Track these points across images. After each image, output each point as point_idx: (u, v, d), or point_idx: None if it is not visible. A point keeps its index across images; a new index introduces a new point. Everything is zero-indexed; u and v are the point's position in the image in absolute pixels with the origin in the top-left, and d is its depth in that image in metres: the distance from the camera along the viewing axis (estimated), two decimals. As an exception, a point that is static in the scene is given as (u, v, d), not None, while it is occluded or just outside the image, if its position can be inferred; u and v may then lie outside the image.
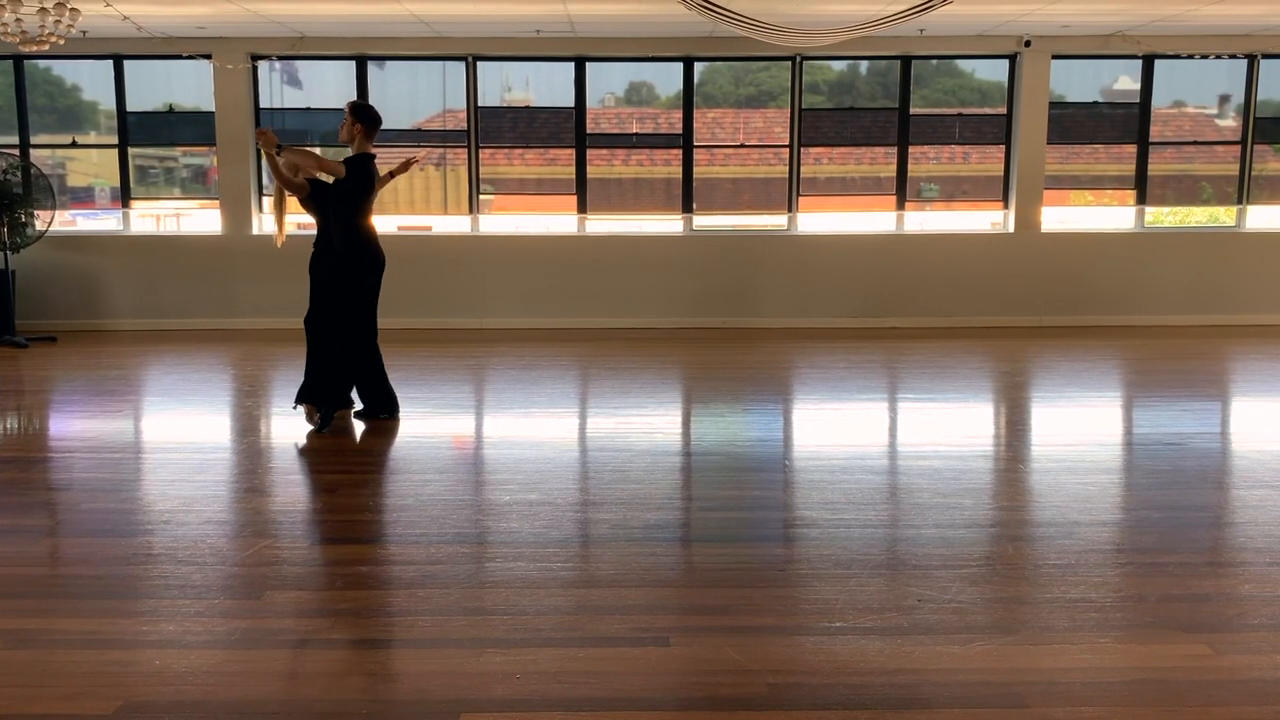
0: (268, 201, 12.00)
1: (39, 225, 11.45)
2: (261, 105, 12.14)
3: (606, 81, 12.40)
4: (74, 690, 3.75)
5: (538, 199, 12.82)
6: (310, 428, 7.57)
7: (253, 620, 4.37)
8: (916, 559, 5.04)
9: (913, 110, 12.22)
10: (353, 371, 7.72)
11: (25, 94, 12.10)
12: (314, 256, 7.71)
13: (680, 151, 12.26)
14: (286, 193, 7.67)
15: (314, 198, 7.63)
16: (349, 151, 7.61)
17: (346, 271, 7.57)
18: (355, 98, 11.90)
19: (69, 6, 8.15)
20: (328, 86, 12.32)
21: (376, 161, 7.67)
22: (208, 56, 11.74)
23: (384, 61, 12.15)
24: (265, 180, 12.12)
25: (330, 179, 7.51)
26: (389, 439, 7.51)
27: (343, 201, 7.51)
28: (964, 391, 9.16)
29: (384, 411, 7.84)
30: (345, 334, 7.61)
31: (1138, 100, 12.20)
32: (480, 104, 12.16)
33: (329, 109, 12.05)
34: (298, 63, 12.29)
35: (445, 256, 12.16)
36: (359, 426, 7.75)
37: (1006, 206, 12.33)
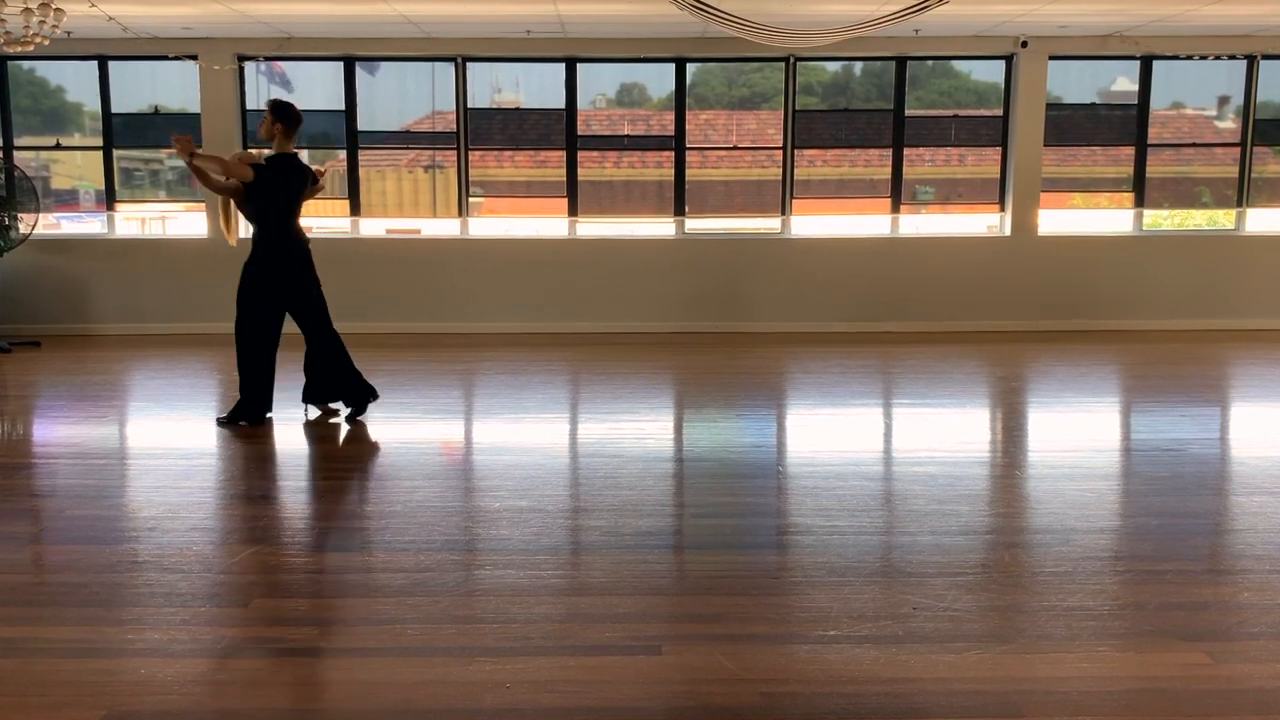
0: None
1: (23, 228, 11.39)
2: (248, 106, 12.06)
3: (597, 83, 12.37)
4: (59, 699, 3.73)
5: (528, 201, 12.77)
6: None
7: (239, 628, 4.36)
8: (912, 566, 5.00)
9: (908, 112, 12.18)
10: (337, 367, 7.87)
11: (9, 95, 12.05)
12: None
13: (672, 153, 12.22)
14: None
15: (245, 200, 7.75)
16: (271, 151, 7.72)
17: (264, 272, 7.65)
18: (344, 97, 11.94)
19: (53, 7, 8.11)
20: (314, 87, 12.26)
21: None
22: (194, 57, 11.67)
23: (376, 64, 12.11)
24: None
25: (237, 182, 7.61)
26: (378, 445, 7.48)
27: (260, 201, 7.60)
28: (960, 397, 9.12)
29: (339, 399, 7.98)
30: (313, 332, 7.82)
31: (1136, 102, 12.18)
32: (470, 105, 12.12)
33: (317, 110, 12.01)
34: (285, 64, 12.26)
35: (434, 259, 12.12)
36: (344, 431, 7.72)
37: (1003, 209, 12.29)
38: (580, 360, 10.61)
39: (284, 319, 7.81)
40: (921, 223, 12.59)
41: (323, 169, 8.23)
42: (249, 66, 12.03)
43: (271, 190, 7.57)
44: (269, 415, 7.91)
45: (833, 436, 7.75)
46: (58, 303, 11.98)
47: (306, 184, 7.77)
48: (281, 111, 7.61)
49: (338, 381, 7.93)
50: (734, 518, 5.88)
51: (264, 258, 7.63)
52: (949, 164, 12.56)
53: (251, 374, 7.76)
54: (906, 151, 12.22)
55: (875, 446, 7.65)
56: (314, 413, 8.11)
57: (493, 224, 12.55)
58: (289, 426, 7.76)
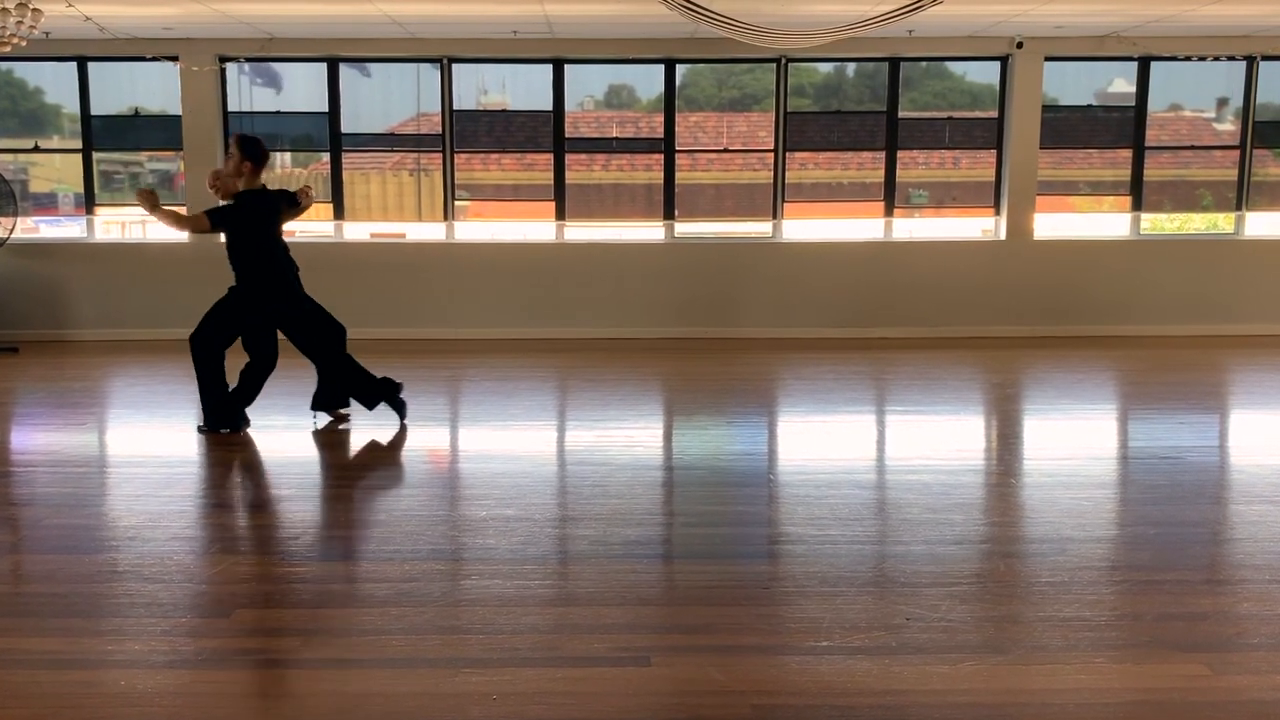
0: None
1: (0, 232, 11.28)
2: (230, 108, 11.99)
3: (585, 84, 12.32)
4: (37, 712, 3.72)
5: (515, 205, 12.70)
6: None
7: (221, 639, 4.34)
8: (905, 576, 4.98)
9: (901, 114, 12.13)
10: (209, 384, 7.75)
11: (-12, 97, 11.99)
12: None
13: (662, 156, 12.15)
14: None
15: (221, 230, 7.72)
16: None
17: (246, 300, 7.64)
18: (328, 99, 11.89)
19: (31, 7, 8.06)
20: (297, 89, 12.21)
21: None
22: (174, 58, 11.60)
23: (367, 65, 12.05)
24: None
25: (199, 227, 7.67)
26: (362, 453, 7.45)
27: (239, 241, 7.57)
28: (954, 404, 9.06)
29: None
30: (213, 347, 7.70)
31: (1133, 103, 12.13)
32: (455, 107, 12.05)
33: (299, 112, 11.98)
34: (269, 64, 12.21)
35: (419, 264, 12.04)
36: (328, 439, 7.70)
37: (998, 213, 12.24)
38: (568, 366, 10.56)
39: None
40: (915, 227, 12.55)
41: (306, 189, 8.03)
42: (230, 67, 11.95)
43: (249, 228, 7.55)
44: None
45: (825, 444, 7.71)
46: (36, 308, 11.88)
47: (283, 212, 7.75)
48: (252, 149, 7.55)
49: (353, 386, 7.91)
50: (725, 527, 5.84)
51: (253, 296, 7.61)
52: (943, 167, 12.51)
53: (213, 382, 7.70)
54: (900, 154, 12.16)
55: (868, 454, 7.59)
56: (323, 419, 8.05)
57: (479, 228, 12.51)
58: (272, 434, 7.73)
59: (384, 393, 7.91)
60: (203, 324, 7.68)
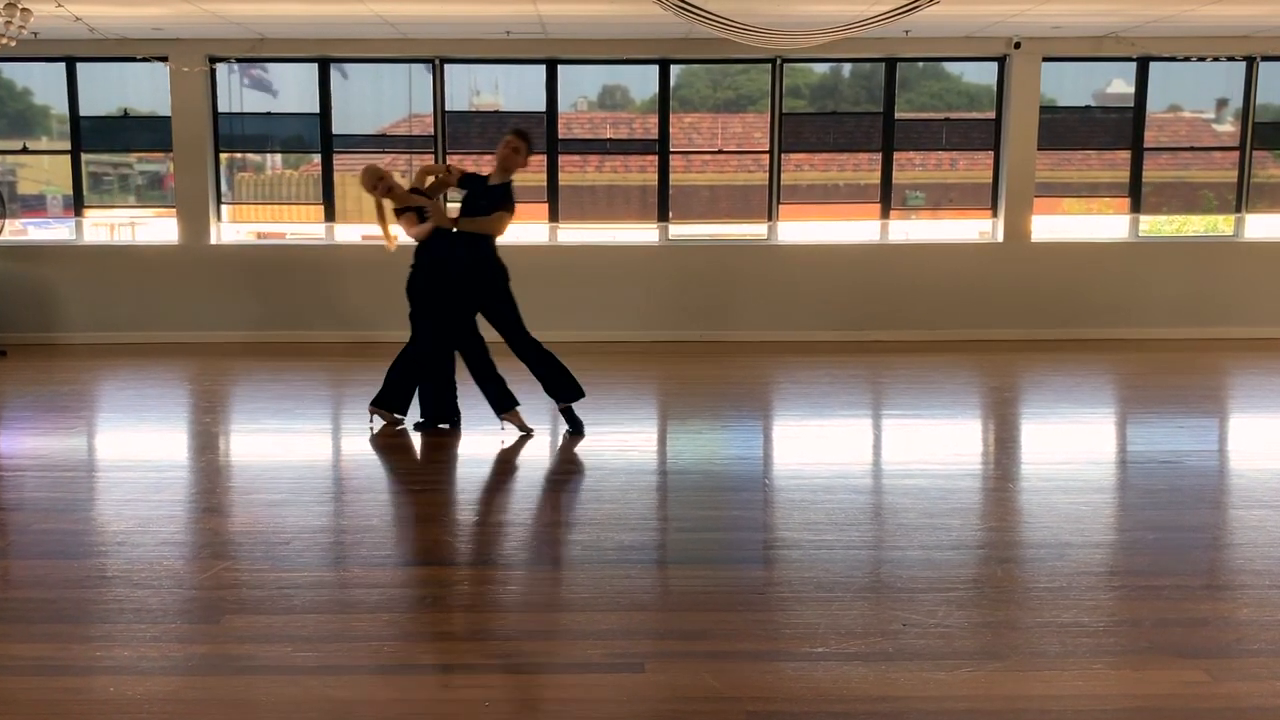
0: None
1: (-12, 235, 11.26)
2: (220, 109, 11.95)
3: (579, 85, 12.29)
4: (26, 718, 3.69)
5: (507, 207, 12.65)
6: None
7: (210, 645, 4.31)
8: (902, 582, 4.94)
9: (898, 115, 12.10)
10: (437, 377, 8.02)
11: (-24, 98, 11.94)
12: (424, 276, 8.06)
13: (656, 158, 12.12)
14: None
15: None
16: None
17: (481, 284, 8.03)
18: (319, 99, 11.85)
19: (20, 7, 8.04)
20: (288, 89, 12.16)
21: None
22: (164, 59, 11.52)
23: (344, 67, 12.00)
24: (224, 188, 11.95)
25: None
26: (355, 457, 7.44)
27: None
28: (951, 407, 9.04)
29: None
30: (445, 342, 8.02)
31: (1132, 104, 12.10)
32: (448, 108, 12.00)
33: (291, 113, 11.95)
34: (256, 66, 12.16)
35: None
36: (319, 444, 7.65)
37: (995, 215, 12.21)
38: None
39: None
40: (912, 229, 12.54)
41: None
42: (221, 68, 11.90)
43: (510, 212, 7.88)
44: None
45: (821, 448, 7.69)
46: (24, 311, 11.81)
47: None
48: (535, 142, 7.93)
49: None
50: (719, 532, 5.82)
51: (467, 269, 8.03)
52: (940, 168, 12.48)
53: (487, 371, 7.94)
54: (896, 155, 12.13)
55: (864, 459, 7.58)
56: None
57: (472, 230, 12.44)
58: (264, 437, 7.73)
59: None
60: (439, 331, 8.02)
